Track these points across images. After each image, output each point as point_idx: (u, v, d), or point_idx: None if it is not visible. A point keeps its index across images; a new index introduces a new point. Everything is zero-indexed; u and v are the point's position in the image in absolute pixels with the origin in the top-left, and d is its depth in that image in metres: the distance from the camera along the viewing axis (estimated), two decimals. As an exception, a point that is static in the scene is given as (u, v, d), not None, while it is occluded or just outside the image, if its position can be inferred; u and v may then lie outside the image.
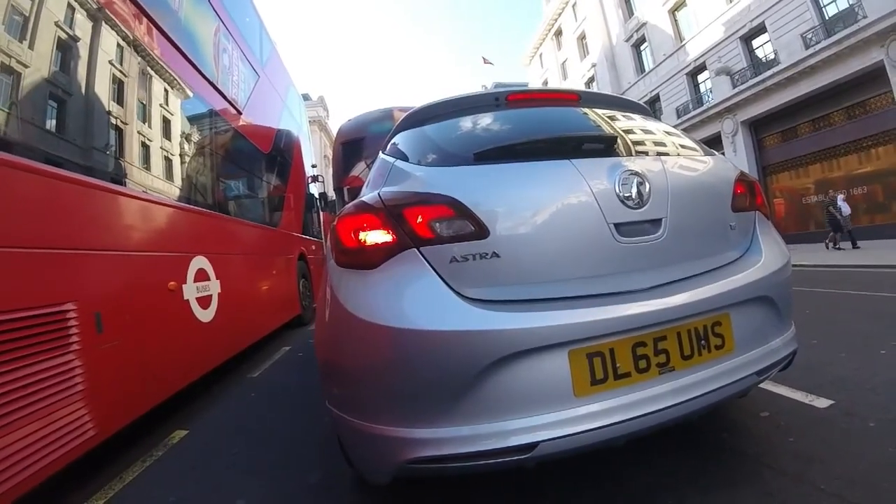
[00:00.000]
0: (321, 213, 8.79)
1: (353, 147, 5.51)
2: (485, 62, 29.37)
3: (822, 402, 1.93)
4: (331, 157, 6.62)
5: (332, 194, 7.13)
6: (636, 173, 1.30)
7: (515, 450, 1.08)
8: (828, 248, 11.07)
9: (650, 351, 1.18)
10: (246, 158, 5.00)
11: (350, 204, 1.40)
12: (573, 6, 26.56)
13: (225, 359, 3.58)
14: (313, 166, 8.97)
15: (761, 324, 1.38)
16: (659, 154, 1.51)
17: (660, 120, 1.93)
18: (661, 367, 1.19)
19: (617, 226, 1.25)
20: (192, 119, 3.62)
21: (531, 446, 1.07)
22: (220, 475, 2.00)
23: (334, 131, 9.38)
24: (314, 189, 8.65)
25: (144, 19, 2.85)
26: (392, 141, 1.77)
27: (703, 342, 1.25)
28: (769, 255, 1.46)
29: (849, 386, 2.09)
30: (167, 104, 3.17)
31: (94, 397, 1.98)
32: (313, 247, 7.62)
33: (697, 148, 1.67)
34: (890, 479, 1.33)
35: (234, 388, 3.48)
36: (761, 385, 1.94)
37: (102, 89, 2.42)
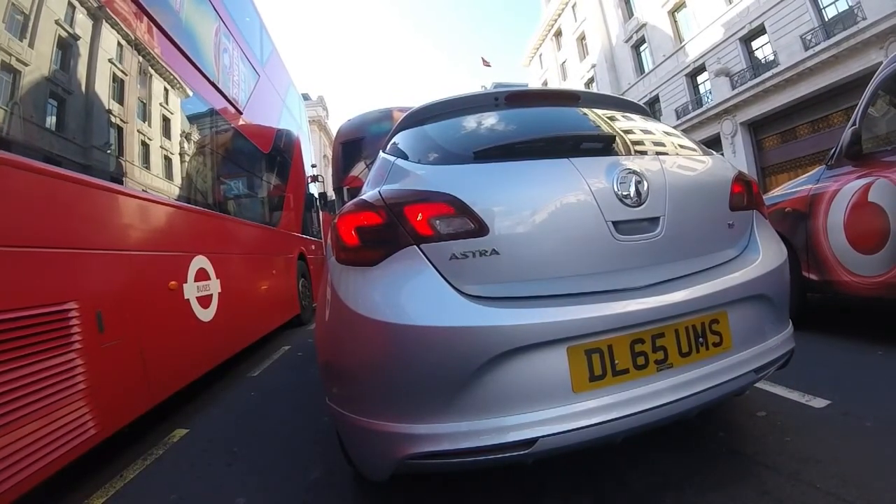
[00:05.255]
0: (321, 213, 8.79)
1: (353, 147, 5.54)
2: (484, 64, 29.40)
3: (819, 402, 1.93)
4: (330, 157, 6.63)
5: (331, 194, 7.15)
6: (634, 172, 1.31)
7: (514, 445, 1.08)
8: None
9: (648, 348, 1.19)
10: (246, 158, 5.00)
11: (351, 202, 1.41)
12: (573, 7, 26.61)
13: (225, 358, 3.57)
14: (313, 166, 8.96)
15: (759, 322, 1.39)
16: (658, 153, 1.52)
17: (659, 121, 1.94)
18: (660, 364, 1.20)
19: (615, 224, 1.26)
20: (193, 118, 3.62)
21: (530, 442, 1.08)
22: (220, 473, 2.00)
23: (334, 131, 9.39)
24: (314, 189, 8.64)
25: (145, 18, 2.85)
26: (392, 140, 1.78)
27: (701, 340, 1.26)
28: (767, 254, 1.47)
29: (846, 386, 2.09)
30: (168, 104, 3.17)
31: (96, 396, 1.98)
32: (313, 246, 7.62)
33: (696, 148, 1.67)
34: (885, 479, 1.33)
35: (234, 388, 3.48)
36: (758, 385, 1.95)
37: (103, 88, 2.41)
